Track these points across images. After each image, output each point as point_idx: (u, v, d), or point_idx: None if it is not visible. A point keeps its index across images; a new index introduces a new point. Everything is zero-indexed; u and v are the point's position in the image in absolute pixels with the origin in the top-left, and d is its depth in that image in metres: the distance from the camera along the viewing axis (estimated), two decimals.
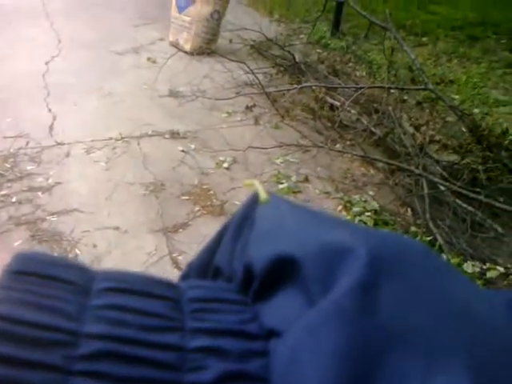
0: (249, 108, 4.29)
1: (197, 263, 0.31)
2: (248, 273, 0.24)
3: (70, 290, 0.21)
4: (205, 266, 0.30)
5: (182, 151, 3.64)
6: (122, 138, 3.69)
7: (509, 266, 2.66)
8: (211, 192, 3.21)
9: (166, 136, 3.81)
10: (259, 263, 0.23)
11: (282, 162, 3.66)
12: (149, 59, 5.19)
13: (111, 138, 3.67)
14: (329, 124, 4.19)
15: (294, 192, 3.35)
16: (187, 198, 3.13)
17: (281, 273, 0.23)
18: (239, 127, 4.08)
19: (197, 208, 3.04)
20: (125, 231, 2.78)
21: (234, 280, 0.25)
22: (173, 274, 2.51)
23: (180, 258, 2.63)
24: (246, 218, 0.28)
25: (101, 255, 2.57)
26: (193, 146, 3.71)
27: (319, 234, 0.23)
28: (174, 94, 4.50)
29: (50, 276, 0.22)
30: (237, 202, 3.14)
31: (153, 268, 2.53)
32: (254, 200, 0.28)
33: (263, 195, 0.26)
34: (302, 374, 0.19)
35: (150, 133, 3.82)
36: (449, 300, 0.22)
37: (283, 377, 0.20)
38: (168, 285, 0.24)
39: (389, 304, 0.21)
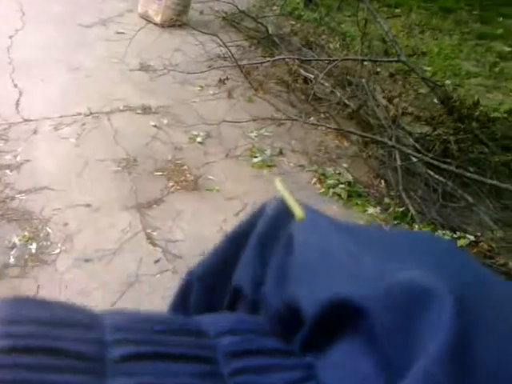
0: (222, 81, 4.23)
1: (202, 274, 0.27)
2: (293, 314, 0.20)
3: (82, 370, 0.17)
4: (213, 279, 0.26)
5: (155, 126, 3.58)
6: (92, 113, 3.60)
7: (478, 234, 2.72)
8: (185, 167, 3.18)
9: (138, 111, 3.74)
10: (310, 307, 0.19)
11: (256, 136, 3.64)
12: (118, 32, 5.05)
13: (80, 114, 3.58)
14: (303, 97, 4.17)
15: (269, 166, 3.34)
16: (160, 173, 3.09)
17: (338, 320, 0.19)
18: (212, 101, 4.03)
19: (170, 183, 3.01)
20: (97, 208, 2.73)
21: (267, 313, 0.21)
22: (147, 250, 2.50)
23: (154, 233, 2.61)
24: (272, 236, 0.23)
25: (72, 234, 2.54)
26: (165, 121, 3.65)
27: (381, 269, 0.19)
28: (144, 67, 4.40)
29: (55, 350, 0.17)
30: (211, 177, 3.12)
31: (127, 245, 2.51)
32: (279, 213, 0.24)
33: (298, 212, 0.22)
34: None
35: (121, 108, 3.74)
36: None
37: None
38: (197, 333, 0.20)
39: (485, 363, 0.18)
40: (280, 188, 0.22)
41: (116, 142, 3.33)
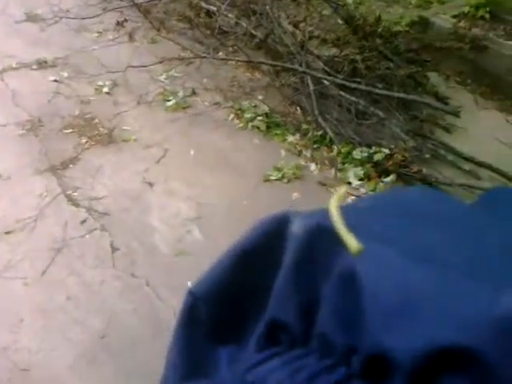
0: (120, 24, 3.99)
1: (208, 297, 0.23)
2: (378, 362, 0.17)
3: None
4: (223, 303, 0.23)
5: (55, 81, 3.34)
6: None
7: (392, 146, 2.85)
8: (96, 121, 3.03)
9: (33, 67, 3.46)
10: (404, 355, 0.16)
11: (165, 78, 3.51)
12: None
13: None
14: (208, 32, 4.03)
15: (184, 107, 3.26)
16: (70, 130, 2.93)
17: (443, 367, 0.16)
18: (113, 46, 3.80)
19: (83, 140, 2.87)
20: (8, 177, 2.57)
21: (333, 356, 0.18)
22: (71, 212, 2.41)
23: (75, 194, 2.51)
24: (310, 262, 0.20)
25: None
26: (66, 74, 3.42)
27: (477, 300, 0.16)
28: (32, 17, 4.04)
29: None
30: (125, 127, 3.01)
31: (48, 210, 2.40)
32: (311, 235, 0.20)
33: (354, 244, 0.18)
34: None
35: (13, 65, 3.45)
36: None
37: None
38: None
39: None
40: (334, 214, 0.18)
41: (15, 104, 3.09)
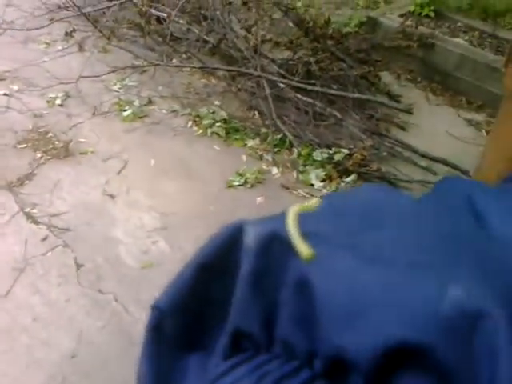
0: (69, 34, 3.89)
1: (172, 310, 0.23)
2: (336, 363, 0.17)
3: None
4: (186, 315, 0.23)
5: (5, 95, 3.23)
6: None
7: (351, 146, 2.91)
8: (50, 134, 2.95)
9: None
10: (358, 354, 0.17)
11: (120, 88, 3.45)
12: None
13: None
14: (160, 39, 4.00)
15: (140, 117, 3.22)
16: (25, 145, 2.84)
17: (398, 365, 0.17)
18: (63, 57, 3.71)
19: (39, 154, 2.78)
20: None
21: (296, 360, 0.19)
22: (31, 230, 2.33)
23: (34, 211, 2.43)
24: (266, 272, 0.20)
25: None
26: (16, 87, 3.31)
27: (424, 296, 0.17)
28: None
29: None
30: (82, 140, 2.94)
31: (7, 229, 2.32)
32: (265, 246, 0.20)
33: (305, 251, 0.18)
34: None
35: None
36: None
37: None
38: None
39: None
40: (289, 221, 0.18)
41: None
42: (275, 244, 0.20)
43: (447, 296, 0.16)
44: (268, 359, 0.19)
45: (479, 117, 3.66)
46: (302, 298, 0.18)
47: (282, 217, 0.21)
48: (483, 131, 3.48)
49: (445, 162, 2.91)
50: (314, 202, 0.20)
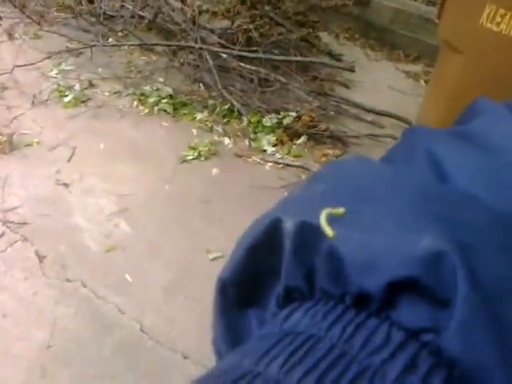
0: None
1: (235, 278, 0.30)
2: (360, 297, 0.24)
3: None
4: (248, 282, 0.30)
5: None
6: None
7: (298, 109, 2.96)
8: None
9: None
10: (376, 289, 0.23)
11: (57, 74, 3.35)
12: None
13: None
14: (93, 19, 3.87)
15: (83, 101, 3.14)
16: None
17: (399, 292, 0.23)
18: None
19: None
20: None
21: (333, 300, 0.25)
22: None
23: None
24: (304, 248, 0.26)
25: None
26: None
27: (408, 246, 0.23)
28: None
29: None
30: (25, 131, 2.85)
31: None
32: (297, 227, 0.26)
33: (330, 232, 0.25)
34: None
35: None
36: None
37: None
38: None
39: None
40: (322, 218, 0.25)
41: None
42: (308, 229, 0.26)
43: (421, 244, 0.23)
44: (314, 303, 0.25)
45: (417, 68, 3.78)
46: (332, 259, 0.25)
47: (308, 210, 0.26)
48: (422, 81, 3.61)
49: (389, 115, 3.01)
50: (341, 210, 0.27)
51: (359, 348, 0.22)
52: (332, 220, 0.25)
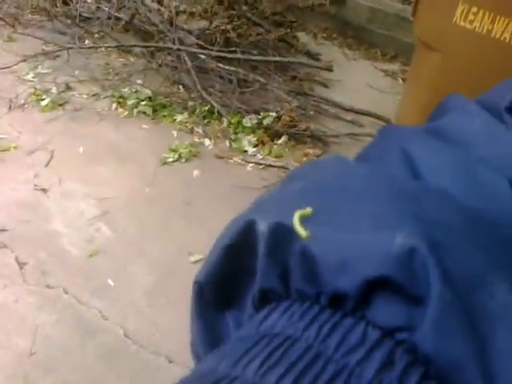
0: None
1: (211, 279, 0.29)
2: (335, 297, 0.24)
3: None
4: (224, 283, 0.30)
5: None
6: None
7: (278, 109, 2.97)
8: None
9: None
10: (350, 288, 0.23)
11: (34, 77, 3.30)
12: None
13: None
14: (69, 21, 3.83)
15: (60, 104, 3.10)
16: None
17: (374, 291, 0.23)
18: None
19: None
20: None
21: (308, 300, 0.25)
22: None
23: None
24: (278, 248, 0.26)
25: None
26: None
27: (383, 245, 0.23)
28: None
29: None
30: (1, 136, 2.80)
31: None
32: (270, 228, 0.26)
33: (303, 233, 0.25)
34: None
35: None
36: None
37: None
38: None
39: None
40: (295, 217, 0.25)
41: None
42: (282, 230, 0.25)
43: (394, 242, 0.23)
44: (290, 304, 0.25)
45: (394, 66, 3.82)
46: (305, 260, 0.25)
47: (282, 210, 0.26)
48: (399, 79, 3.65)
49: (369, 114, 3.04)
50: (308, 210, 0.27)
51: (335, 348, 0.22)
52: (306, 220, 0.25)
